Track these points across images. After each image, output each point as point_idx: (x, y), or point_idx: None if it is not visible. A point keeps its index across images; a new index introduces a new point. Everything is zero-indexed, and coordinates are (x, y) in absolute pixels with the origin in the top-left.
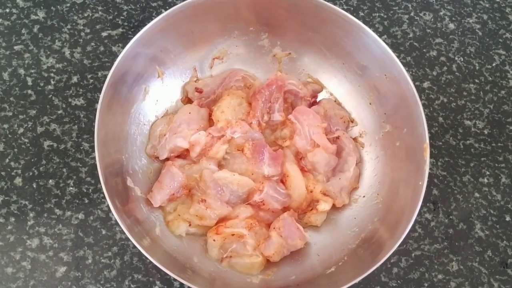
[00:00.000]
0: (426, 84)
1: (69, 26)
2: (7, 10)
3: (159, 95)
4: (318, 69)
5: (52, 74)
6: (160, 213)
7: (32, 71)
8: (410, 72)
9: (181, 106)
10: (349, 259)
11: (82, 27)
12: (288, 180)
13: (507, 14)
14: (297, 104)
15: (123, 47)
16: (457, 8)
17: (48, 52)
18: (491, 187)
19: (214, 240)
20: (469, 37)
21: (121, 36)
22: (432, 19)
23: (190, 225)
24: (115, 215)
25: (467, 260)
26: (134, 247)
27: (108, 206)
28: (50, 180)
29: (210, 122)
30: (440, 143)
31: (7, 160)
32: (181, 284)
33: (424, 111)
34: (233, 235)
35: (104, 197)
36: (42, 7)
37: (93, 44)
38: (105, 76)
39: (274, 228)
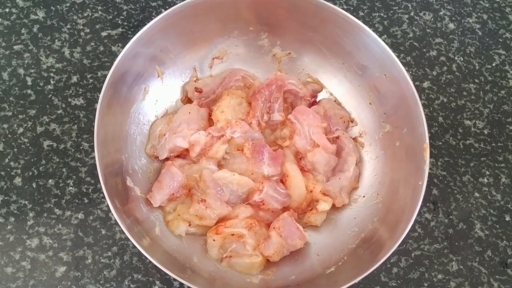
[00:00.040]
0: (426, 84)
1: (68, 26)
2: (7, 10)
3: (159, 95)
4: (318, 69)
5: (51, 74)
6: (159, 213)
7: (32, 71)
8: (410, 72)
9: (181, 106)
10: (349, 259)
11: (81, 27)
12: (288, 180)
13: (507, 14)
14: (297, 104)
15: (122, 47)
16: (457, 8)
17: (48, 52)
18: (491, 187)
19: (214, 240)
20: (469, 37)
21: (121, 36)
22: (432, 19)
23: (189, 225)
24: (114, 215)
25: (467, 260)
26: (134, 247)
27: (107, 206)
28: (50, 180)
29: (210, 122)
30: (440, 143)
31: (6, 160)
32: (181, 284)
33: (424, 111)
34: (233, 235)
35: (103, 197)
36: (41, 7)
37: (92, 44)
38: (105, 76)
39: (274, 228)
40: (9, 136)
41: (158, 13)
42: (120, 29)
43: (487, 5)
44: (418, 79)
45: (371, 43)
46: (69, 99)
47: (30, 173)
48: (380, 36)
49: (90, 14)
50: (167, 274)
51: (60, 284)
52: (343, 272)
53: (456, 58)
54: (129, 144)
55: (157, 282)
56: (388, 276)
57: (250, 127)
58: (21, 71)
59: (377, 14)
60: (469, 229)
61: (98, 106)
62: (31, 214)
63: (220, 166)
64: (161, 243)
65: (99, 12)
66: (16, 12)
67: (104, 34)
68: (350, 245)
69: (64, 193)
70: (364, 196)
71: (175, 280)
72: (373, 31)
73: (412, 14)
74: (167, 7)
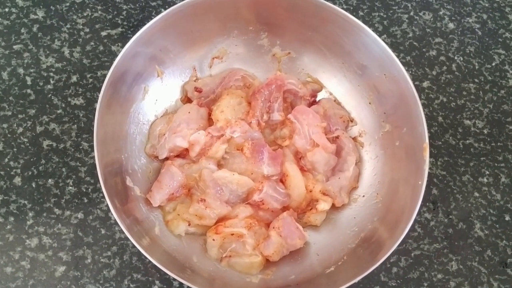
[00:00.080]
0: (425, 84)
1: (68, 26)
2: (6, 10)
3: (159, 95)
4: (318, 69)
5: (51, 74)
6: (159, 212)
7: (32, 70)
8: (410, 72)
9: (180, 106)
10: (348, 258)
11: (81, 27)
12: (288, 179)
13: (506, 13)
14: (296, 104)
15: (122, 47)
16: (457, 7)
17: (48, 52)
18: (491, 186)
19: (213, 240)
20: (468, 36)
21: (121, 36)
22: (432, 19)
23: (189, 224)
24: (114, 214)
25: (466, 259)
26: (134, 246)
27: (107, 205)
28: (50, 180)
29: (210, 121)
30: (440, 143)
31: (6, 160)
32: (181, 284)
33: (424, 110)
34: (232, 234)
35: (103, 197)
36: (41, 7)
37: (92, 43)
38: (105, 76)
39: (273, 227)
40: (9, 135)
41: (157, 13)
42: (119, 29)
43: (486, 4)
44: (418, 78)
45: (371, 43)
46: (69, 99)
47: (30, 173)
48: (379, 35)
49: (89, 14)
50: (167, 274)
51: (59, 284)
52: (342, 272)
53: (455, 57)
54: (129, 144)
55: (157, 282)
56: (387, 275)
57: (249, 127)
58: (20, 70)
59: (377, 14)
60: (468, 229)
61: (97, 106)
62: (30, 214)
63: (219, 165)
64: (160, 243)
65: (99, 12)
66: (16, 12)
67: (103, 33)
68: (349, 244)
69: (63, 192)
70: (363, 196)
71: (174, 279)
72: (372, 30)
73: (411, 13)
74: (166, 6)
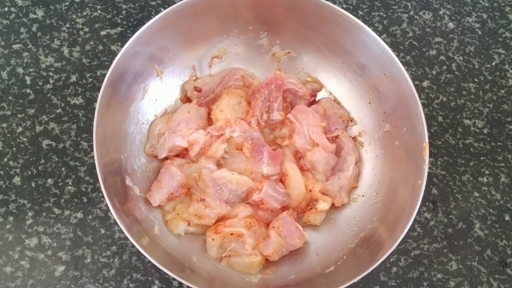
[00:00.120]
0: (425, 83)
1: (68, 25)
2: (6, 9)
3: (158, 94)
4: (318, 68)
5: (50, 73)
6: (159, 212)
7: (31, 70)
8: (410, 71)
9: (180, 105)
10: (348, 258)
11: (81, 26)
12: (287, 179)
13: (506, 13)
14: (296, 103)
15: (122, 46)
16: (457, 7)
17: (47, 51)
18: (491, 186)
19: (213, 239)
20: (468, 36)
21: (120, 35)
22: (432, 18)
23: (189, 224)
24: (113, 214)
25: (466, 259)
26: (133, 246)
27: (107, 205)
28: (49, 179)
29: (209, 121)
30: (440, 142)
31: (5, 159)
32: (180, 284)
33: (424, 110)
34: (232, 234)
35: (103, 196)
36: (41, 6)
37: (92, 43)
38: (104, 75)
39: (273, 227)
40: (8, 135)
41: (157, 12)
42: (119, 28)
43: (486, 4)
44: (418, 78)
45: (371, 43)
46: (68, 98)
47: (29, 173)
48: (379, 35)
49: (89, 13)
50: (166, 274)
51: (59, 284)
52: (342, 272)
53: (455, 57)
54: (128, 143)
55: (156, 282)
56: (387, 275)
57: (249, 126)
58: (20, 70)
59: (377, 13)
60: (468, 229)
61: (97, 105)
62: (30, 214)
63: (219, 165)
64: (160, 243)
65: (98, 11)
66: (15, 11)
67: (103, 33)
68: (349, 244)
69: (63, 192)
70: (363, 196)
71: (174, 279)
72: (372, 30)
73: (411, 13)
74: (166, 6)
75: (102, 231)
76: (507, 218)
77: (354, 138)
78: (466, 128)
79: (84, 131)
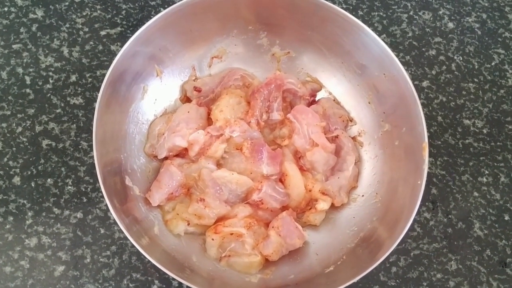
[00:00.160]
0: (425, 83)
1: (67, 25)
2: (6, 9)
3: (158, 94)
4: (317, 68)
5: (50, 73)
6: (158, 212)
7: (31, 70)
8: (409, 71)
9: (179, 105)
10: (348, 258)
11: (80, 26)
12: (287, 179)
13: (506, 13)
14: (296, 103)
15: (121, 46)
16: (456, 7)
17: (47, 51)
18: (490, 186)
19: (212, 239)
20: (468, 36)
21: (120, 35)
22: (431, 18)
23: (188, 224)
24: (113, 214)
25: (466, 259)
26: (133, 246)
27: (106, 205)
28: (49, 179)
29: (209, 121)
30: (439, 142)
31: (5, 159)
32: (180, 284)
33: (423, 110)
34: (231, 234)
35: (102, 196)
36: (40, 6)
37: (91, 43)
38: (104, 75)
39: (273, 227)
40: (8, 135)
41: (157, 12)
42: (119, 28)
43: (486, 4)
44: (417, 78)
45: (370, 43)
46: (68, 98)
47: (29, 172)
48: (379, 35)
49: (89, 13)
50: (166, 274)
51: (59, 284)
52: (342, 272)
53: (455, 57)
54: (128, 143)
55: (156, 282)
56: (387, 275)
57: (249, 126)
58: (20, 70)
59: (376, 13)
60: (468, 229)
61: (97, 105)
62: (29, 214)
63: (219, 165)
64: (160, 243)
65: (98, 11)
66: (15, 11)
67: (103, 33)
68: (349, 244)
69: (63, 192)
70: (363, 196)
71: (174, 279)
72: (372, 30)
73: (411, 13)
74: (166, 6)
75: (102, 231)
76: (506, 218)
77: (353, 138)
78: (466, 128)
79: (84, 131)
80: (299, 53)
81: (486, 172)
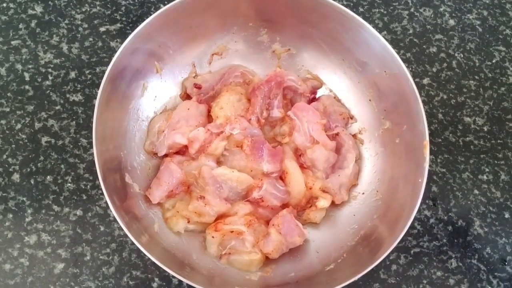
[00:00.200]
0: (425, 81)
1: (66, 21)
2: (4, 5)
3: (158, 91)
4: (318, 65)
5: (49, 70)
6: (158, 209)
7: (30, 66)
8: (410, 69)
9: (179, 102)
10: (348, 256)
11: (80, 22)
12: (287, 177)
13: (507, 10)
14: (296, 101)
15: (121, 43)
16: (457, 4)
17: (46, 47)
18: (491, 184)
19: (213, 237)
20: (469, 33)
21: (119, 31)
22: (432, 15)
23: (188, 222)
24: (113, 211)
25: (466, 257)
26: (133, 243)
27: (106, 202)
28: (48, 177)
29: (209, 118)
30: (440, 140)
31: (4, 156)
32: (180, 281)
33: (424, 107)
34: (232, 232)
35: (102, 194)
36: (39, 2)
37: (91, 39)
38: (103, 72)
39: (273, 225)
40: (7, 132)
41: (157, 9)
42: (118, 25)
43: (487, 1)
44: (418, 75)
45: (371, 40)
46: (67, 95)
47: (28, 170)
48: (380, 32)
49: (88, 9)
50: (166, 271)
51: (58, 281)
52: (342, 269)
53: (456, 54)
54: (128, 141)
55: (156, 279)
56: (387, 273)
57: (249, 124)
58: (19, 66)
59: (377, 10)
60: (468, 226)
61: (96, 102)
62: (29, 211)
63: (219, 162)
64: (160, 240)
65: (98, 7)
66: (14, 7)
67: (102, 29)
68: (349, 242)
69: (62, 189)
70: (363, 193)
71: (174, 277)
72: (373, 27)
73: (412, 10)
74: (166, 2)
75: (102, 229)
76: (507, 215)
77: (354, 136)
78: (466, 126)
79: (84, 128)
80: (300, 50)
81: (487, 170)
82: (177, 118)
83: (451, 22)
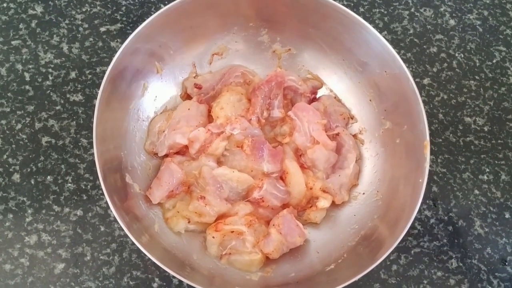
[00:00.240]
0: (426, 81)
1: (67, 21)
2: (5, 5)
3: (158, 91)
4: (318, 65)
5: (50, 70)
6: (159, 210)
7: (30, 66)
8: (410, 69)
9: (180, 102)
10: (348, 256)
11: (80, 22)
12: (288, 177)
13: (507, 10)
14: (296, 101)
15: (121, 43)
16: (458, 4)
17: (46, 47)
18: (491, 184)
19: (213, 237)
20: (469, 33)
21: (120, 32)
22: (433, 15)
23: (189, 222)
24: (113, 212)
25: (466, 257)
26: (133, 244)
27: (106, 202)
28: (49, 177)
29: (209, 118)
30: (440, 140)
31: (5, 156)
32: (180, 281)
33: (424, 107)
34: (232, 232)
35: (102, 194)
36: (40, 2)
37: (91, 39)
38: (104, 72)
39: (273, 225)
40: (7, 132)
41: (157, 9)
42: (119, 25)
43: (487, 1)
44: (419, 75)
45: (372, 40)
46: (68, 95)
47: (29, 170)
48: (380, 32)
49: (88, 9)
50: (167, 271)
51: (59, 281)
52: (342, 270)
53: (456, 54)
54: (128, 141)
55: (156, 279)
56: (387, 273)
57: (249, 124)
58: (19, 66)
59: (378, 10)
60: (468, 226)
61: (97, 102)
62: (29, 211)
63: (219, 163)
64: (160, 240)
65: (98, 7)
66: (14, 7)
67: (102, 29)
68: (350, 242)
69: (62, 189)
70: (364, 193)
71: (174, 277)
72: (373, 27)
73: (412, 10)
74: (166, 2)
75: (102, 229)
76: (507, 216)
77: (354, 136)
78: (467, 126)
79: (84, 128)
80: (300, 50)
81: (487, 170)
82: (177, 118)
83: (452, 22)
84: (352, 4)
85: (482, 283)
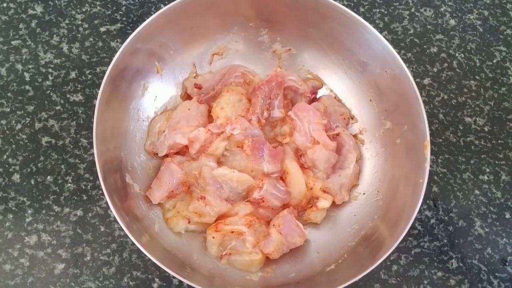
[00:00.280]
0: (426, 81)
1: (67, 21)
2: (4, 5)
3: (158, 91)
4: (318, 65)
5: (50, 70)
6: (159, 210)
7: (30, 66)
8: (411, 69)
9: (180, 103)
10: (349, 256)
11: (80, 22)
12: (288, 177)
13: (508, 10)
14: (297, 101)
15: (121, 43)
16: (458, 4)
17: (46, 47)
18: (491, 184)
19: (213, 237)
20: (470, 33)
21: (120, 32)
22: (433, 15)
23: (189, 222)
24: (113, 212)
25: (466, 257)
26: (133, 244)
27: (106, 203)
28: (49, 177)
29: (210, 118)
30: (440, 140)
31: (5, 156)
32: (180, 282)
33: (425, 108)
34: (232, 232)
35: (102, 194)
36: (39, 2)
37: (91, 39)
38: (104, 72)
39: (273, 225)
40: (7, 132)
41: (157, 9)
42: (119, 25)
43: (488, 1)
44: (419, 75)
45: (372, 40)
46: (68, 95)
47: (29, 170)
48: (380, 32)
49: (88, 9)
50: (167, 272)
51: (59, 282)
52: (343, 270)
53: (456, 54)
54: (128, 141)
55: (156, 280)
56: (388, 273)
57: (250, 124)
58: (19, 66)
59: (378, 10)
60: (469, 227)
61: (97, 102)
62: (29, 211)
63: (219, 163)
64: (160, 241)
65: (98, 7)
66: (14, 7)
67: (102, 29)
68: (350, 242)
69: (62, 190)
70: (364, 194)
71: (174, 277)
72: (373, 27)
73: (413, 10)
74: (166, 2)
75: (102, 229)
76: (507, 216)
77: (355, 136)
78: (467, 126)
79: (84, 128)
80: (300, 50)
81: (487, 170)
82: (177, 118)
83: (452, 22)
84: (352, 4)
85: (482, 283)
